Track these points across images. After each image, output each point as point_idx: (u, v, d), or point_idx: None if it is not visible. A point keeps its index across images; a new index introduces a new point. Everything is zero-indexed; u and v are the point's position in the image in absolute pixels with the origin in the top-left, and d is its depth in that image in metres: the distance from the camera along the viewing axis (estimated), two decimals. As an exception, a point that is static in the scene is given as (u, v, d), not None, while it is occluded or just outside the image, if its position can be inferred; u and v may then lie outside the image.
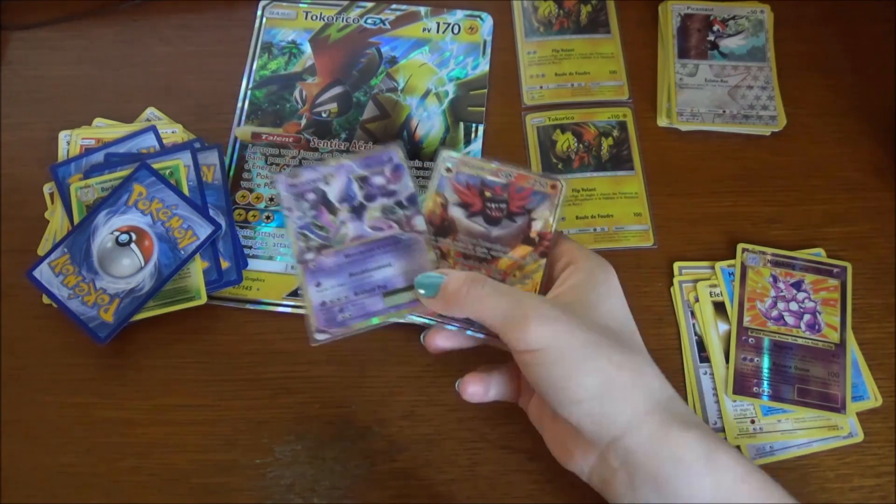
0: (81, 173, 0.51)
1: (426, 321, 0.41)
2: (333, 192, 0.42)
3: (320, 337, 0.39)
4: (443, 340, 0.41)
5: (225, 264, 0.50)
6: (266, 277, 0.51)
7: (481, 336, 0.40)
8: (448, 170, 0.42)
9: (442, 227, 0.42)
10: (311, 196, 0.42)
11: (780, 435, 0.47)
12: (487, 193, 0.42)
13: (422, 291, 0.39)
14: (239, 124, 0.56)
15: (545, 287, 0.41)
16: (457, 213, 0.42)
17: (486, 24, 0.60)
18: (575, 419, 0.36)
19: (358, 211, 0.41)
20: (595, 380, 0.36)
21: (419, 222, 0.41)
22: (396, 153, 0.43)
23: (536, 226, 0.42)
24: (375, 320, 0.40)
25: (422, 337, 0.42)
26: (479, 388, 0.42)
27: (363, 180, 0.42)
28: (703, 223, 0.53)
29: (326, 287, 0.40)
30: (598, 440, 0.37)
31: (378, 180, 0.42)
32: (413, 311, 0.40)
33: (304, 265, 0.40)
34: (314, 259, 0.40)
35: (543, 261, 0.42)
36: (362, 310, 0.40)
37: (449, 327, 0.41)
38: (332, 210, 0.41)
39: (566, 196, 0.45)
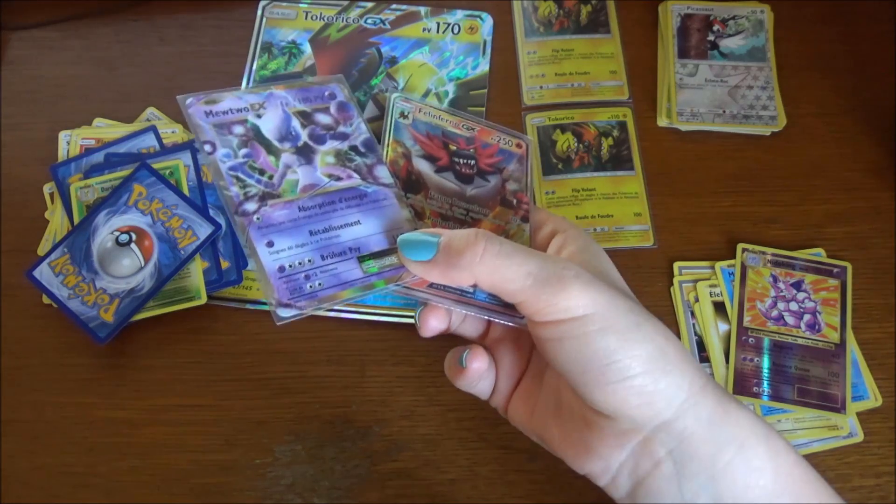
0: (81, 173, 0.51)
1: (414, 294, 0.34)
2: (268, 126, 0.34)
3: (285, 313, 0.31)
4: (437, 320, 0.34)
5: (225, 264, 0.50)
6: (266, 277, 0.51)
7: (481, 313, 0.34)
8: (403, 115, 0.37)
9: (409, 182, 0.36)
10: (239, 129, 0.34)
11: (780, 435, 0.47)
12: (452, 147, 0.37)
13: (409, 255, 0.32)
14: (239, 124, 0.56)
15: None
16: (423, 166, 0.36)
17: (486, 24, 0.60)
18: (616, 402, 0.30)
19: (305, 153, 0.34)
20: (648, 350, 0.30)
21: (383, 173, 0.35)
22: (339, 88, 0.36)
23: (511, 186, 0.37)
24: (352, 291, 0.32)
25: (416, 317, 0.35)
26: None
27: (304, 116, 0.35)
28: (703, 223, 0.53)
29: (282, 247, 0.32)
30: (641, 426, 0.31)
31: (323, 119, 0.35)
32: (401, 279, 0.33)
33: (247, 218, 0.32)
34: (258, 211, 0.32)
35: (527, 226, 0.37)
36: (337, 279, 0.32)
37: (437, 302, 0.34)
38: (270, 150, 0.34)
39: (532, 155, 0.39)
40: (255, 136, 0.34)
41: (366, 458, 0.47)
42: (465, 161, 0.37)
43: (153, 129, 0.53)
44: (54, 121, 0.55)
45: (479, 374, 0.36)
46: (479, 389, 0.37)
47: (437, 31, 0.59)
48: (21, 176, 0.54)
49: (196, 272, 0.49)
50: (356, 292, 0.32)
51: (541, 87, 0.58)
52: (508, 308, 0.34)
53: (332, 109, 0.36)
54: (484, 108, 0.57)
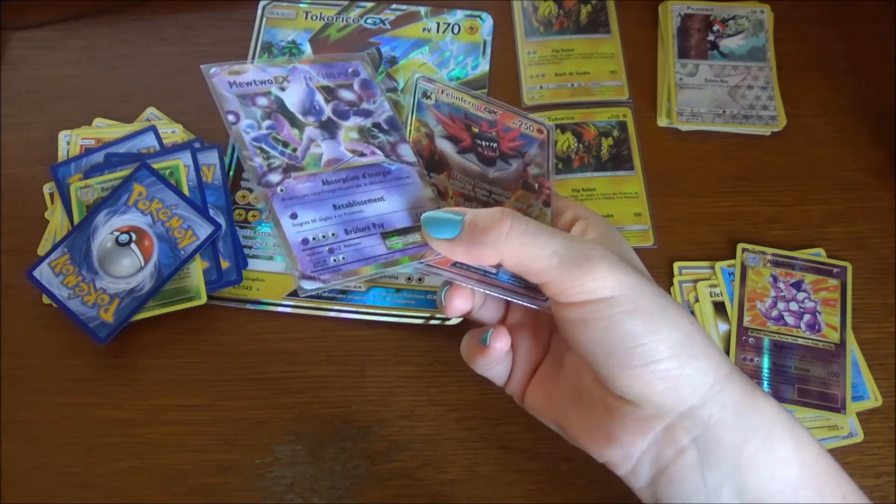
0: (81, 173, 0.51)
1: (436, 272, 0.33)
2: (292, 99, 0.34)
3: (308, 286, 0.30)
4: (462, 301, 0.33)
5: (225, 264, 0.50)
6: (266, 277, 0.51)
7: (504, 294, 0.33)
8: (426, 96, 0.36)
9: (432, 162, 0.36)
10: (263, 101, 0.33)
11: (780, 435, 0.47)
12: (474, 129, 0.37)
13: (433, 232, 0.31)
14: (239, 124, 0.56)
15: None
16: (446, 146, 0.36)
17: (486, 24, 0.60)
18: (640, 387, 0.30)
19: (329, 128, 0.34)
20: (674, 334, 0.30)
21: (406, 151, 0.35)
22: (362, 66, 0.36)
23: (532, 171, 0.37)
24: (374, 267, 0.32)
25: (441, 296, 0.34)
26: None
27: (328, 92, 0.35)
28: (703, 223, 0.53)
29: (305, 220, 0.32)
30: (666, 412, 0.30)
31: (347, 95, 0.35)
32: (424, 256, 0.32)
33: (270, 189, 0.32)
34: (282, 182, 0.32)
35: (549, 210, 0.36)
36: (360, 253, 0.32)
37: (461, 281, 0.33)
38: (294, 122, 0.34)
39: (555, 141, 0.39)
40: (279, 108, 0.34)
41: (366, 458, 0.47)
42: (487, 143, 0.37)
43: (153, 129, 0.53)
44: (54, 121, 0.55)
45: (500, 355, 0.35)
46: (496, 374, 0.37)
47: (437, 31, 0.59)
48: (21, 176, 0.54)
49: (196, 272, 0.49)
50: (379, 268, 0.32)
51: (541, 87, 0.58)
52: (531, 290, 0.33)
53: (356, 86, 0.36)
54: (484, 108, 0.57)
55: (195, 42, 0.59)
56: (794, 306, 0.50)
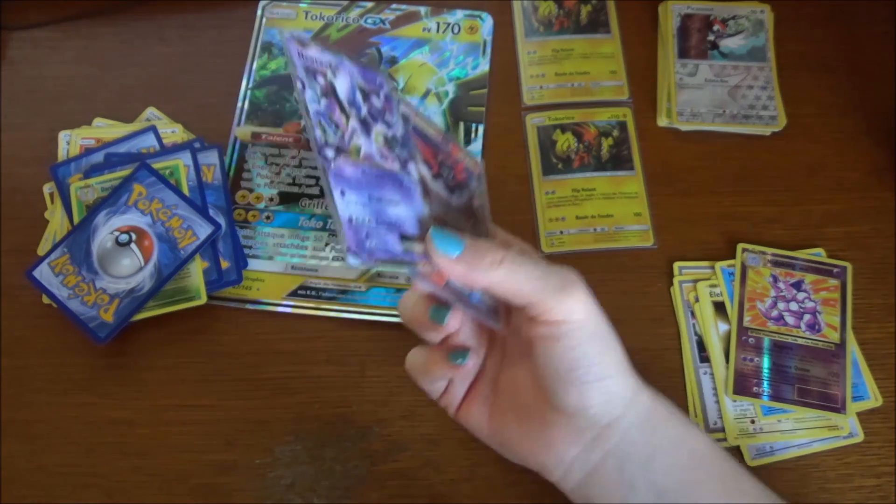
0: (81, 173, 0.51)
1: (429, 287, 0.36)
2: (341, 88, 0.35)
3: (354, 261, 0.32)
4: (456, 320, 0.37)
5: (225, 264, 0.50)
6: (266, 277, 0.51)
7: (473, 311, 0.37)
8: (405, 118, 0.37)
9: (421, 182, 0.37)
10: (322, 80, 0.34)
11: (781, 435, 0.47)
12: (439, 157, 0.38)
13: (440, 247, 0.34)
14: (239, 124, 0.56)
15: None
16: (424, 171, 0.37)
17: (486, 23, 0.60)
18: (583, 399, 0.35)
19: (366, 126, 0.35)
20: (615, 357, 0.36)
21: (413, 169, 0.36)
22: (385, 81, 0.37)
23: (475, 203, 0.39)
24: (393, 264, 0.34)
25: (444, 316, 0.36)
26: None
27: (364, 94, 0.36)
28: (703, 223, 0.53)
29: (350, 201, 0.33)
30: (600, 420, 0.35)
31: (376, 102, 0.36)
32: (419, 268, 0.35)
33: (327, 162, 0.33)
34: (334, 159, 0.33)
35: (493, 242, 0.38)
36: (384, 245, 0.34)
37: (446, 297, 0.36)
38: (343, 109, 0.35)
39: (484, 176, 0.40)
40: (332, 91, 0.35)
41: (366, 458, 0.47)
42: (448, 172, 0.38)
43: (153, 129, 0.53)
44: (54, 121, 0.55)
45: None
46: (435, 388, 0.40)
47: (437, 31, 0.59)
48: (21, 176, 0.54)
49: (196, 272, 0.49)
50: (395, 266, 0.34)
51: (541, 87, 0.58)
52: (492, 312, 0.37)
53: (381, 97, 0.37)
54: (484, 109, 0.57)
55: (195, 42, 0.59)
56: (794, 306, 0.50)
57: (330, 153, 0.33)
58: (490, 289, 0.34)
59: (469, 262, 0.34)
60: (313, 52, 0.34)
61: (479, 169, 0.39)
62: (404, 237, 0.35)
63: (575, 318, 0.34)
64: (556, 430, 0.36)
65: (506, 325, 0.38)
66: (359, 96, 0.35)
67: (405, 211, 0.35)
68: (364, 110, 0.35)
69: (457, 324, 0.37)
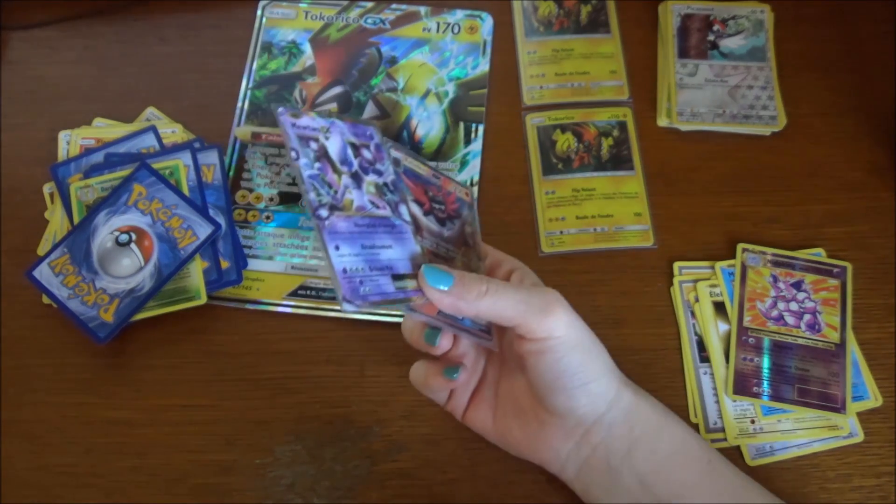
0: (81, 173, 0.51)
1: (424, 318, 0.40)
2: (333, 149, 0.39)
3: (349, 308, 0.36)
4: (447, 340, 0.41)
5: (225, 264, 0.50)
6: (266, 277, 0.51)
7: (466, 335, 0.41)
8: (396, 163, 0.41)
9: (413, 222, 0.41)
10: (314, 145, 0.38)
11: (781, 435, 0.47)
12: (430, 193, 0.42)
13: (431, 282, 0.38)
14: (239, 124, 0.56)
15: None
16: (415, 209, 0.41)
17: (486, 23, 0.60)
18: (571, 402, 0.40)
19: (357, 179, 0.39)
20: (601, 362, 0.40)
21: (404, 212, 0.40)
22: (375, 131, 0.41)
23: (467, 230, 0.43)
24: (388, 303, 0.38)
25: (436, 339, 0.41)
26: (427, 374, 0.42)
27: (355, 148, 0.40)
28: (703, 223, 0.53)
29: (344, 253, 0.37)
30: (587, 419, 0.40)
31: (367, 154, 0.40)
32: (413, 301, 0.38)
33: (321, 222, 0.37)
34: (328, 218, 0.37)
35: (482, 264, 0.43)
36: (378, 288, 0.37)
37: (440, 325, 0.40)
38: (335, 169, 0.38)
39: (475, 202, 0.45)
40: (325, 154, 0.39)
41: (366, 458, 0.47)
42: (439, 206, 0.43)
43: (153, 129, 0.53)
44: (54, 121, 0.55)
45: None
46: (440, 396, 0.45)
47: (437, 31, 0.59)
48: (21, 176, 0.54)
49: (196, 272, 0.49)
50: (389, 304, 0.38)
51: (541, 87, 0.58)
52: (484, 332, 0.41)
53: (372, 148, 0.41)
54: (484, 109, 0.57)
55: (195, 42, 0.59)
56: (794, 306, 0.50)
57: (324, 213, 0.37)
58: (478, 316, 0.39)
59: (457, 295, 0.37)
60: (306, 120, 0.38)
61: (470, 198, 0.44)
62: (396, 276, 0.38)
63: (557, 334, 0.38)
64: (551, 429, 0.41)
65: (499, 341, 0.43)
66: (350, 153, 0.39)
67: (397, 252, 0.39)
68: (355, 165, 0.39)
69: (448, 344, 0.41)
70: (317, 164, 0.38)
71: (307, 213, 0.38)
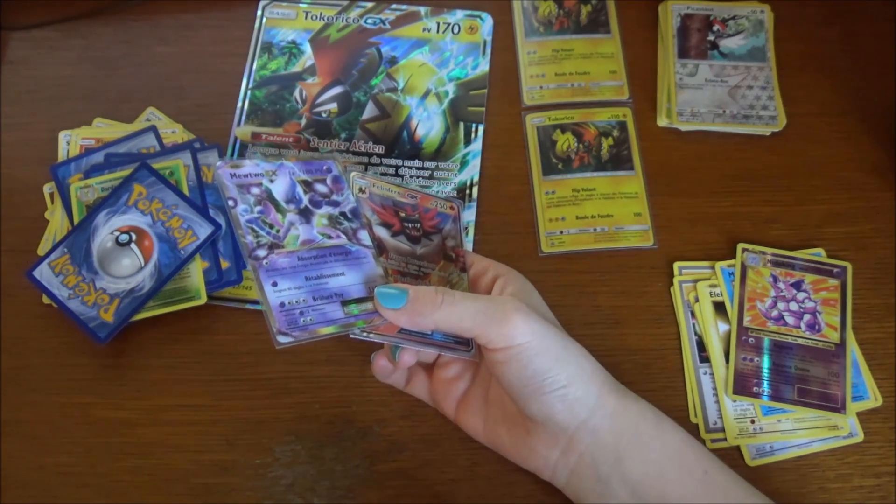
0: (81, 173, 0.51)
1: (379, 339, 0.41)
2: (278, 190, 0.41)
3: (283, 340, 0.38)
4: (409, 356, 0.42)
5: (225, 264, 0.50)
6: (266, 277, 0.51)
7: (438, 350, 0.42)
8: (361, 191, 0.43)
9: (374, 246, 0.43)
10: (256, 191, 0.41)
11: (780, 435, 0.47)
12: (402, 213, 0.44)
13: (384, 304, 0.39)
14: (239, 124, 0.56)
15: None
16: (381, 232, 0.43)
17: (486, 24, 0.60)
18: (547, 409, 0.39)
19: (305, 214, 0.41)
20: (571, 367, 0.39)
21: (364, 236, 0.42)
22: (334, 164, 0.43)
23: (449, 243, 0.44)
24: (335, 328, 0.39)
25: (396, 355, 0.42)
26: (388, 365, 0.43)
27: (307, 185, 0.42)
28: (703, 223, 0.53)
29: (283, 288, 0.39)
30: (567, 426, 0.39)
31: (321, 188, 0.42)
32: (372, 322, 0.40)
33: (258, 262, 0.39)
34: (266, 257, 0.39)
35: (465, 275, 0.44)
36: (323, 316, 0.39)
37: (406, 344, 0.41)
38: (278, 209, 0.41)
39: (463, 215, 0.47)
40: (268, 197, 0.41)
41: (366, 458, 0.47)
42: (412, 225, 0.44)
43: (153, 129, 0.53)
44: (54, 121, 0.55)
45: (382, 375, 0.45)
46: (395, 380, 0.46)
47: (437, 31, 0.59)
48: (21, 176, 0.54)
49: (196, 272, 0.49)
50: (338, 329, 0.39)
51: (541, 87, 0.58)
52: (459, 344, 0.42)
53: (328, 181, 0.43)
54: (484, 109, 0.57)
55: (195, 42, 0.59)
56: (794, 306, 0.50)
57: (262, 253, 0.40)
58: (438, 329, 0.39)
59: (412, 311, 0.38)
60: (248, 168, 0.41)
61: (456, 211, 0.45)
62: (346, 302, 0.40)
63: (518, 342, 0.38)
64: (536, 437, 0.41)
65: (479, 351, 0.42)
66: (299, 190, 0.42)
67: (350, 279, 0.40)
68: (305, 201, 0.42)
69: (410, 359, 0.41)
70: (257, 208, 0.40)
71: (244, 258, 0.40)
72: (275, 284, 0.39)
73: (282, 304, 0.39)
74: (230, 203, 0.40)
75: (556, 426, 0.39)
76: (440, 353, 0.43)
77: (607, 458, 0.39)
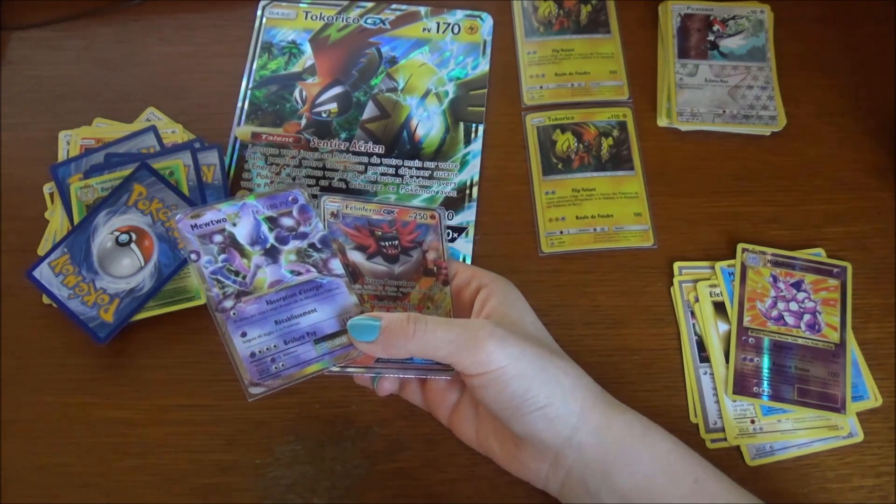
0: (81, 173, 0.51)
1: (357, 371, 0.40)
2: (242, 233, 0.40)
3: (255, 391, 0.37)
4: (390, 384, 0.42)
5: (225, 264, 0.50)
6: (266, 277, 0.51)
7: (420, 374, 0.41)
8: (333, 215, 0.42)
9: (347, 274, 0.42)
10: (219, 238, 0.40)
11: (780, 435, 0.47)
12: (378, 232, 0.43)
13: (357, 337, 0.38)
14: (239, 124, 0.56)
15: (458, 313, 0.43)
16: (356, 256, 0.42)
17: (486, 24, 0.60)
18: (529, 428, 0.38)
19: (272, 254, 0.40)
20: (549, 386, 0.38)
21: (336, 265, 0.41)
22: (300, 193, 0.42)
23: (430, 256, 0.43)
24: (310, 369, 0.38)
25: (374, 384, 0.42)
26: (394, 386, 0.43)
27: (272, 221, 0.41)
28: (703, 223, 0.53)
29: (252, 337, 0.38)
30: (551, 443, 0.39)
31: (287, 222, 0.41)
32: (347, 356, 0.39)
33: (225, 314, 0.38)
34: (234, 307, 0.38)
35: (448, 288, 0.43)
36: (296, 359, 0.38)
37: (386, 373, 0.40)
38: (244, 253, 0.40)
39: (445, 224, 0.46)
40: (232, 242, 0.40)
41: (366, 458, 0.47)
42: (389, 243, 0.43)
43: (153, 129, 0.53)
44: (54, 121, 0.55)
45: (384, 394, 0.43)
46: (417, 400, 0.45)
47: (437, 31, 0.59)
48: (21, 176, 0.54)
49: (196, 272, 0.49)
50: (312, 370, 0.38)
51: (541, 87, 0.58)
52: (441, 366, 0.40)
53: (295, 212, 0.41)
54: (484, 109, 0.57)
55: (195, 42, 0.59)
56: (794, 306, 0.50)
57: (228, 304, 0.38)
58: (415, 356, 0.39)
59: (385, 343, 0.38)
60: (209, 216, 0.40)
61: (437, 220, 0.44)
62: (319, 339, 0.39)
63: (493, 367, 0.37)
64: (524, 451, 0.40)
65: None
66: (264, 229, 0.40)
67: (322, 314, 0.39)
68: (270, 239, 0.40)
69: (390, 386, 0.42)
70: (221, 257, 0.39)
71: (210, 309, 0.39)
72: (244, 335, 0.38)
73: (252, 355, 0.38)
74: (193, 257, 0.39)
75: (540, 443, 0.39)
76: (431, 377, 0.42)
77: (595, 472, 0.39)
